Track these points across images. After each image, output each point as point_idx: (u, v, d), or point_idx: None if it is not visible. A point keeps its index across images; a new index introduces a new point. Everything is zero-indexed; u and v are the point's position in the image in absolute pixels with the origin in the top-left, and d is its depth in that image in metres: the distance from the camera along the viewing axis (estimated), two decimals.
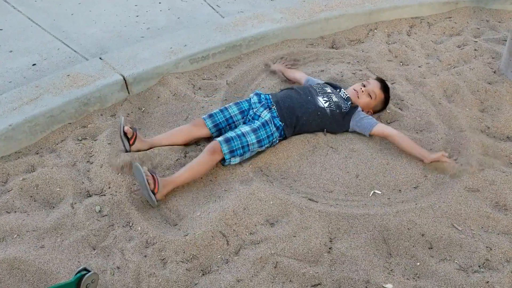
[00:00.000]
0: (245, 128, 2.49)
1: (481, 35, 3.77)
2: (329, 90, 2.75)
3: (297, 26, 3.60)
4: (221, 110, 2.66)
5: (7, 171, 2.49)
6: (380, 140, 2.72)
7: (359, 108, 2.76)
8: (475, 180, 2.43)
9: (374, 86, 2.83)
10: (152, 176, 2.25)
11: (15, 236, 2.14)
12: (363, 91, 2.79)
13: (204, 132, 2.62)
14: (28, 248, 2.07)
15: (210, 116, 2.63)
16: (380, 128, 2.67)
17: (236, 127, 2.63)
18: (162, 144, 2.58)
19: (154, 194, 2.24)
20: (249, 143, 2.46)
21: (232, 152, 2.42)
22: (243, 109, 2.68)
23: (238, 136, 2.44)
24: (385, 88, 2.87)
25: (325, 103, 2.66)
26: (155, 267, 2.03)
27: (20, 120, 2.61)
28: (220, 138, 2.42)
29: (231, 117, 2.65)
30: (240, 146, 2.43)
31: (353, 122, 2.72)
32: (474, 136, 2.73)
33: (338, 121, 2.69)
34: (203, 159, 2.40)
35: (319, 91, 2.72)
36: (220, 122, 2.63)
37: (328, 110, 2.65)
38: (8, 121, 2.59)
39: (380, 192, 2.40)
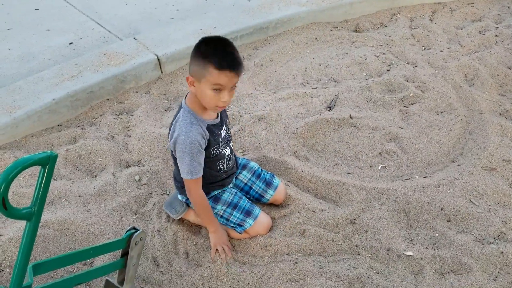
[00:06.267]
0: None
1: (502, 21, 3.84)
2: None
3: (322, 10, 3.71)
4: None
5: (51, 142, 2.67)
6: (402, 116, 2.84)
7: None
8: (492, 159, 2.55)
9: None
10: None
11: (63, 201, 2.32)
12: None
13: None
14: (75, 211, 2.25)
15: None
16: None
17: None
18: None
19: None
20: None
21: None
22: None
23: None
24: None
25: None
26: (191, 232, 2.19)
27: (62, 94, 2.78)
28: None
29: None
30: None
31: None
32: (493, 119, 2.84)
33: None
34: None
35: None
36: None
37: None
38: (52, 95, 2.76)
39: (388, 166, 2.55)
